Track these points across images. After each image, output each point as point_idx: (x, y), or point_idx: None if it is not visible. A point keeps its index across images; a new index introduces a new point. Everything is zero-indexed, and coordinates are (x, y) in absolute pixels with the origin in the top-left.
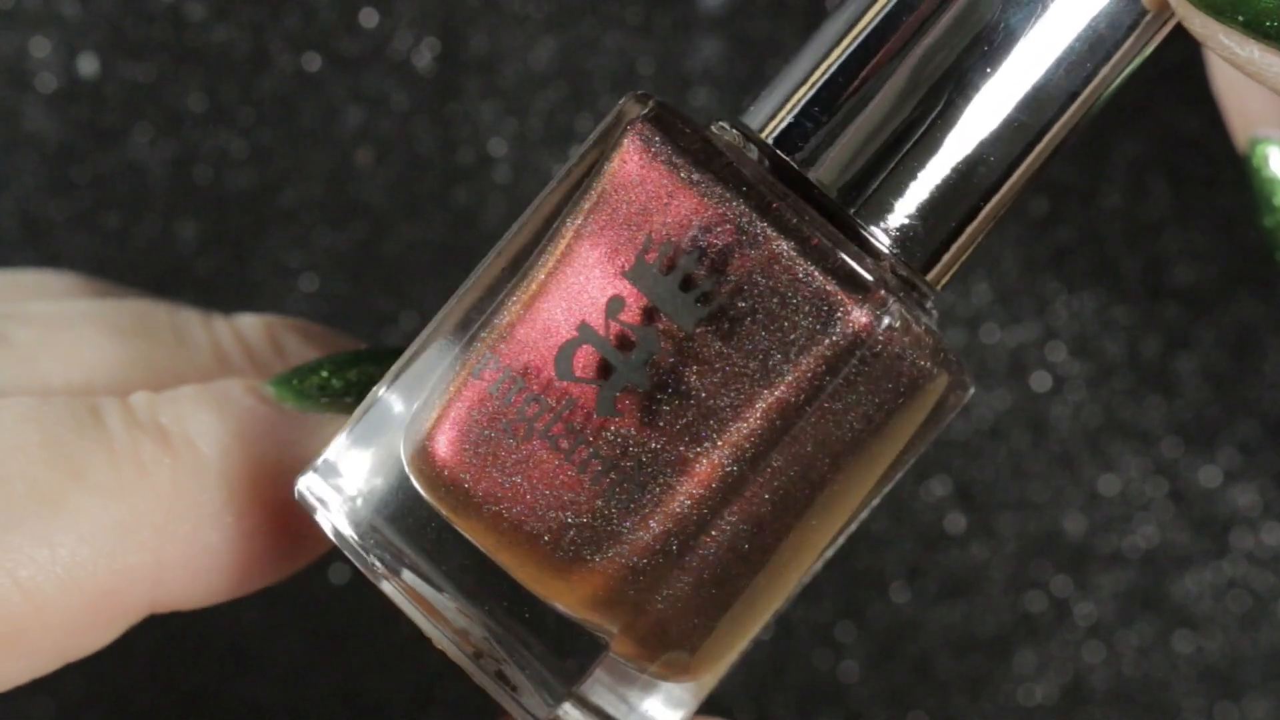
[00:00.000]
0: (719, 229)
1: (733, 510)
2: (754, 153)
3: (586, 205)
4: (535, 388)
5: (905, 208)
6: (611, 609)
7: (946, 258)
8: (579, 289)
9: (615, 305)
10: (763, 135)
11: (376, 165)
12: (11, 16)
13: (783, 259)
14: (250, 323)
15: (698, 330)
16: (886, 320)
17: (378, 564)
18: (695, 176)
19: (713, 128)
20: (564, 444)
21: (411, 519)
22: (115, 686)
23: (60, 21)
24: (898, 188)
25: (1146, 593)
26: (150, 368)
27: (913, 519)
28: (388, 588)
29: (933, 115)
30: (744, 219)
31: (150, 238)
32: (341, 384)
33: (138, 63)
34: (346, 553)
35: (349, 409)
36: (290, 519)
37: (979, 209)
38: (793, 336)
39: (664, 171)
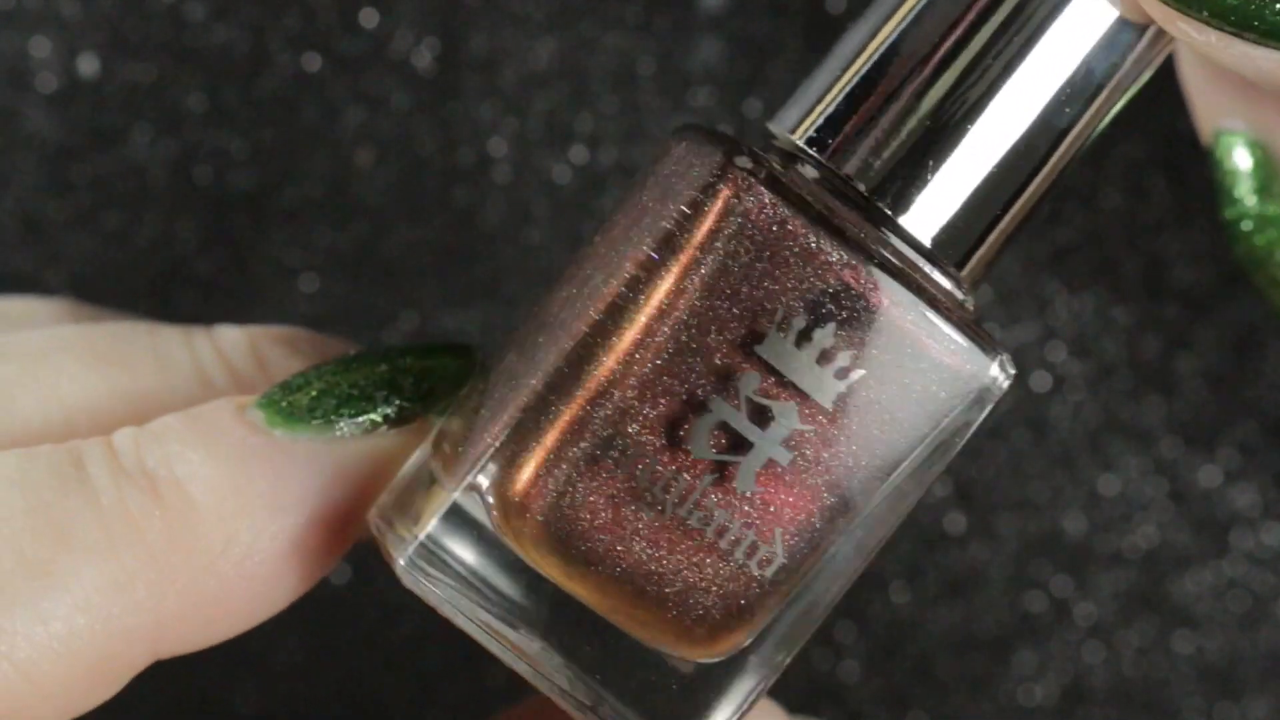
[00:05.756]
0: (846, 296)
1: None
2: (807, 168)
3: (684, 260)
4: (664, 460)
5: (948, 210)
6: (723, 651)
7: (979, 255)
8: (703, 358)
9: (750, 380)
10: (794, 136)
11: (376, 165)
12: (11, 16)
13: (912, 325)
14: (232, 337)
15: (835, 404)
16: (1003, 381)
17: (475, 617)
18: (815, 239)
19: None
20: (699, 517)
21: (505, 574)
22: None
23: (60, 21)
24: (943, 191)
25: (1146, 593)
26: (131, 398)
27: (913, 519)
28: (482, 636)
29: (968, 115)
30: (869, 285)
31: (150, 238)
32: (334, 400)
33: (138, 63)
34: (441, 611)
35: (342, 427)
36: (289, 554)
37: (1011, 207)
38: (928, 405)
39: (782, 232)
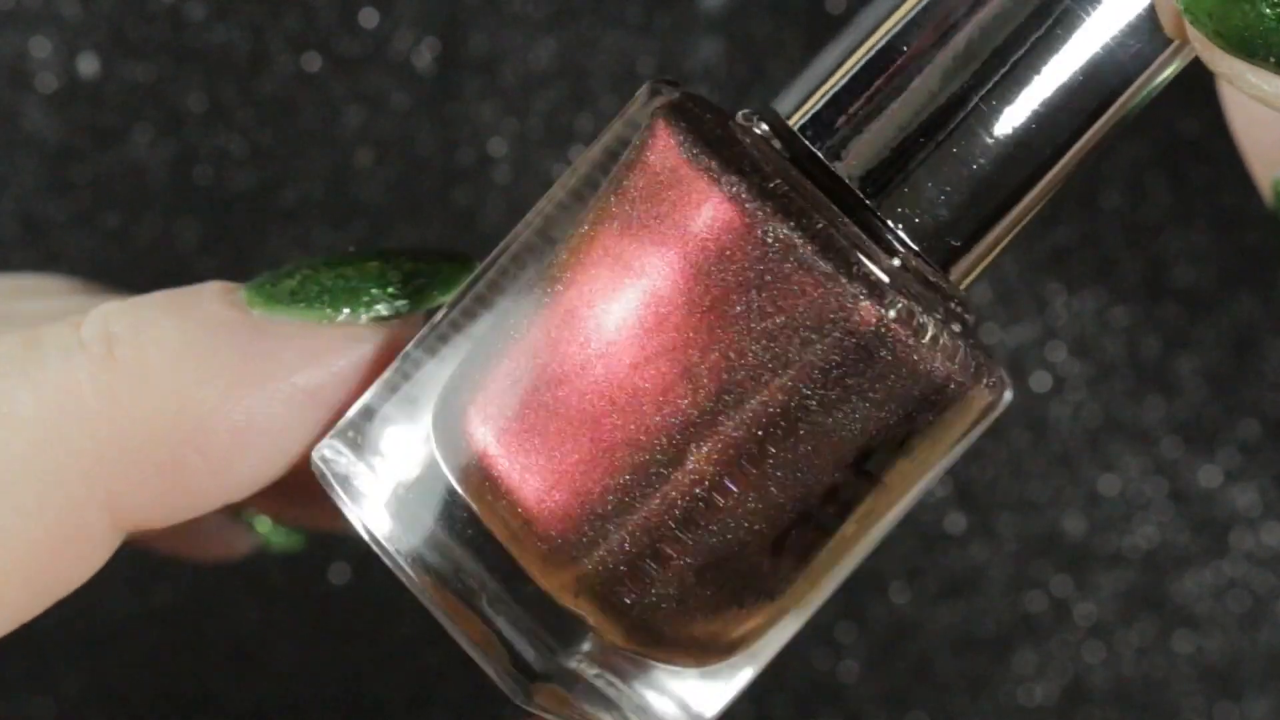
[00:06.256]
0: (938, 393)
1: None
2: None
3: (799, 381)
4: (764, 566)
5: (939, 205)
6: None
7: (972, 256)
8: (816, 479)
9: (849, 488)
10: (791, 123)
11: (376, 165)
12: (11, 16)
13: (959, 389)
14: None
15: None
16: (943, 364)
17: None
18: (929, 354)
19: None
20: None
21: (473, 540)
22: (115, 686)
23: (60, 21)
24: (938, 196)
25: (1146, 593)
26: None
27: (913, 519)
28: (426, 598)
29: (969, 109)
30: (950, 379)
31: (150, 238)
32: (318, 287)
33: (138, 63)
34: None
35: (321, 312)
36: (249, 432)
37: (1010, 207)
38: (951, 440)
39: (900, 357)
